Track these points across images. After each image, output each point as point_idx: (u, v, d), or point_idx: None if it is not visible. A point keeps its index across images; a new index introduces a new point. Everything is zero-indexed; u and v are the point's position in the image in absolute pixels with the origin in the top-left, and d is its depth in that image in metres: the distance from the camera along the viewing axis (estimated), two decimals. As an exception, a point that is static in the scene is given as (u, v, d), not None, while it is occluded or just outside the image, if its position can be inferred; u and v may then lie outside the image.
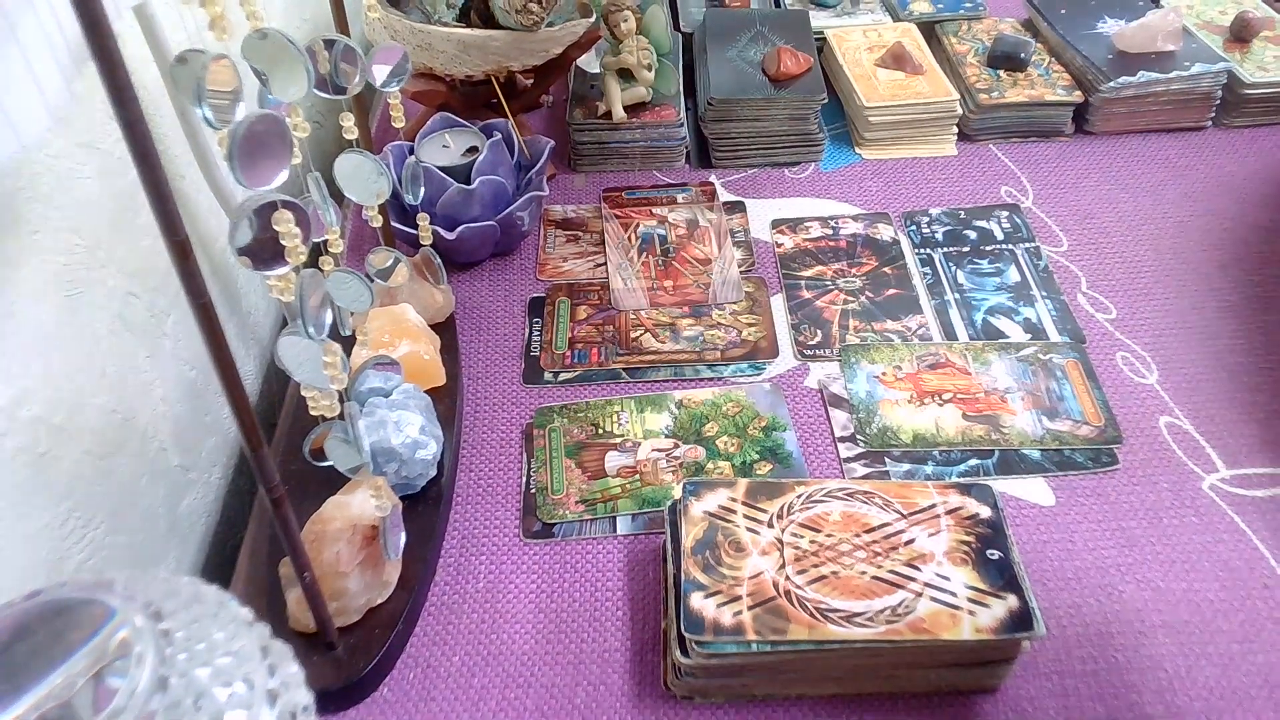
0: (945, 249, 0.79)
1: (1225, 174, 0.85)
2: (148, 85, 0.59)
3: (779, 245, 0.80)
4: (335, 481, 0.55)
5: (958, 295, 0.75)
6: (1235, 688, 0.51)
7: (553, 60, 0.82)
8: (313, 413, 0.47)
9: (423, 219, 0.68)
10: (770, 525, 0.53)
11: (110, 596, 0.32)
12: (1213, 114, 0.90)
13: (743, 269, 0.78)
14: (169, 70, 0.56)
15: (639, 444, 0.65)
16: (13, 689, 0.29)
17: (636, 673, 0.53)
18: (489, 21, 0.79)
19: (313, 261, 0.46)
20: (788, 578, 0.50)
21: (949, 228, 0.81)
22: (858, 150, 0.90)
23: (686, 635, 0.48)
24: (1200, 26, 0.95)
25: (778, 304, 0.75)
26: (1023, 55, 0.92)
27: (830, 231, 0.81)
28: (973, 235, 0.80)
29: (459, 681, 0.53)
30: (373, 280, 0.54)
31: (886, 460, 0.64)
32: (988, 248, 0.79)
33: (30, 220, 0.47)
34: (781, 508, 0.54)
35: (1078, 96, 0.89)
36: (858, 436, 0.65)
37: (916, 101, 0.87)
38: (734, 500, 0.54)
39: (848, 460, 0.64)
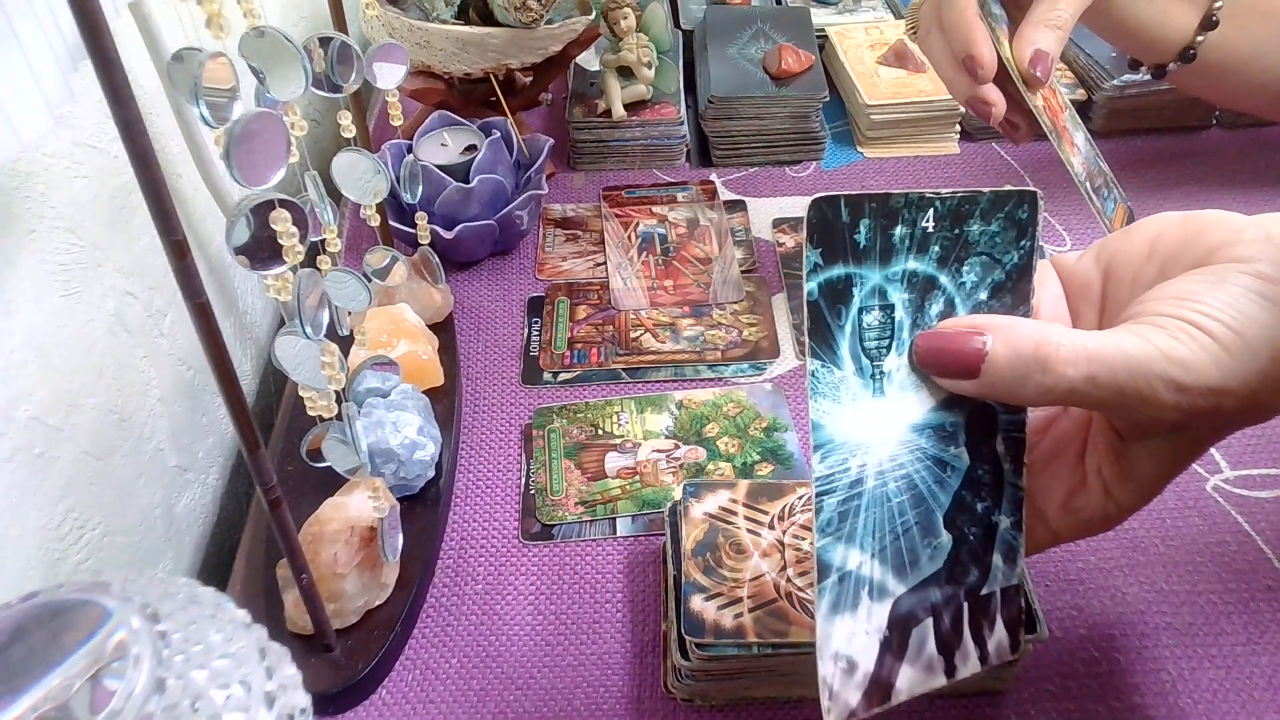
0: (946, 248, 0.79)
1: (1229, 173, 0.84)
2: (144, 84, 0.59)
3: (780, 244, 0.80)
4: (333, 482, 0.55)
5: (959, 295, 0.75)
6: (1239, 689, 0.51)
7: (552, 58, 0.81)
8: (310, 413, 0.47)
9: (421, 218, 0.67)
10: (771, 527, 0.53)
11: (107, 598, 0.32)
12: (1217, 113, 0.89)
13: (744, 268, 0.78)
14: (165, 68, 0.56)
15: (639, 445, 0.64)
16: (10, 691, 0.29)
17: (636, 675, 0.53)
18: (488, 19, 0.79)
19: (310, 261, 0.46)
20: (789, 580, 0.50)
21: (950, 227, 0.81)
22: (860, 149, 0.90)
23: (687, 637, 0.48)
24: (1202, 25, 0.95)
25: (779, 304, 0.75)
26: (1024, 54, 0.91)
27: (831, 231, 0.81)
28: (974, 234, 0.80)
29: (458, 684, 0.53)
30: (370, 280, 0.54)
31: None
32: (989, 247, 0.79)
33: (26, 219, 0.47)
34: (783, 509, 0.53)
35: (1081, 95, 0.88)
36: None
37: (919, 100, 0.87)
38: (735, 502, 0.54)
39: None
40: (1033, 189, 0.36)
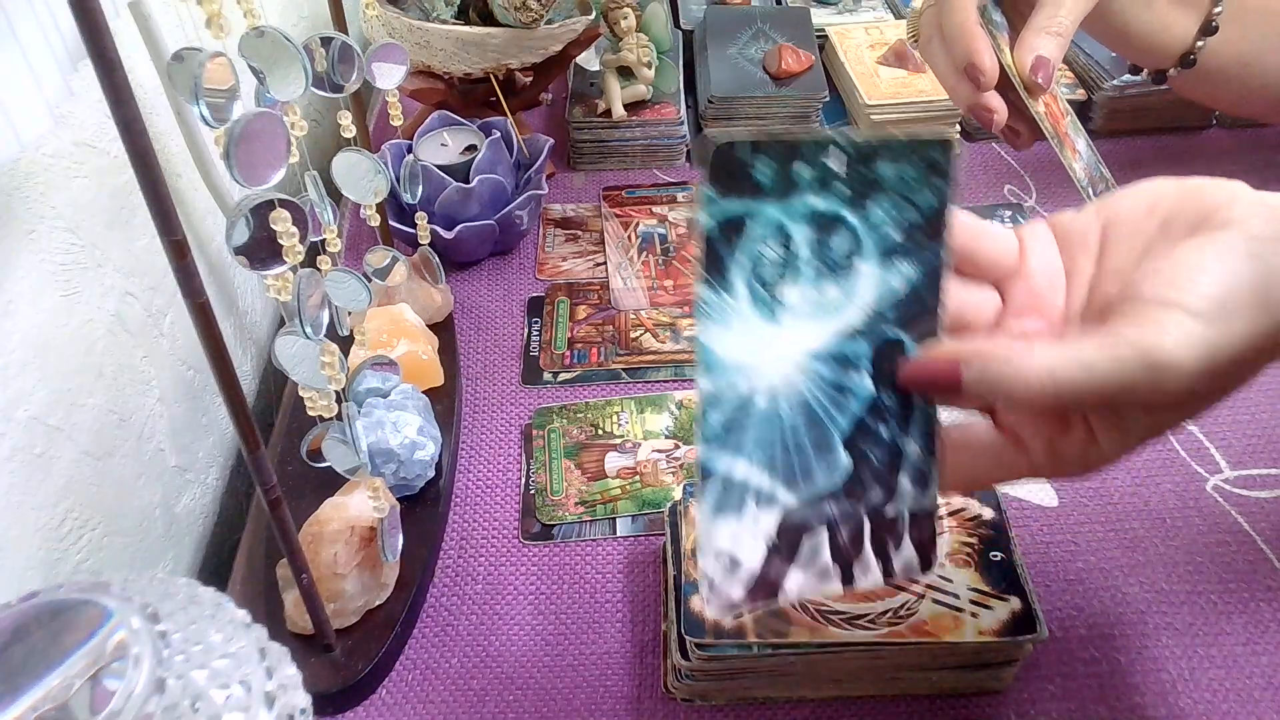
0: (946, 248, 0.79)
1: (1228, 173, 0.83)
2: (144, 84, 0.59)
3: (780, 244, 0.80)
4: (333, 482, 0.55)
5: (959, 295, 0.75)
6: (1239, 690, 0.51)
7: (552, 58, 0.81)
8: (310, 413, 0.47)
9: (421, 218, 0.67)
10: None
11: (107, 598, 0.32)
12: (1216, 113, 0.89)
13: (743, 268, 0.77)
14: (165, 68, 0.56)
15: (639, 445, 0.64)
16: (10, 690, 0.29)
17: (636, 675, 0.53)
18: (488, 19, 0.79)
19: (310, 261, 0.46)
20: (789, 579, 0.50)
21: (950, 227, 0.81)
22: (859, 149, 0.90)
23: (687, 638, 0.48)
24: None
25: (778, 303, 0.75)
26: (1024, 54, 0.91)
27: (831, 231, 0.81)
28: (974, 234, 0.80)
29: (457, 684, 0.53)
30: (370, 280, 0.54)
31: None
32: (989, 247, 0.79)
33: (26, 219, 0.47)
34: (782, 509, 0.53)
35: (1080, 95, 0.88)
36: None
37: (919, 100, 0.87)
38: (735, 501, 0.54)
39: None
40: (949, 136, 0.36)
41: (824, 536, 0.37)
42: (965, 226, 0.38)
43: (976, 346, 0.36)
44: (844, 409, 0.37)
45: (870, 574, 0.38)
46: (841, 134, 0.34)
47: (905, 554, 0.39)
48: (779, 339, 0.36)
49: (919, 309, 0.37)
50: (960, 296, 0.38)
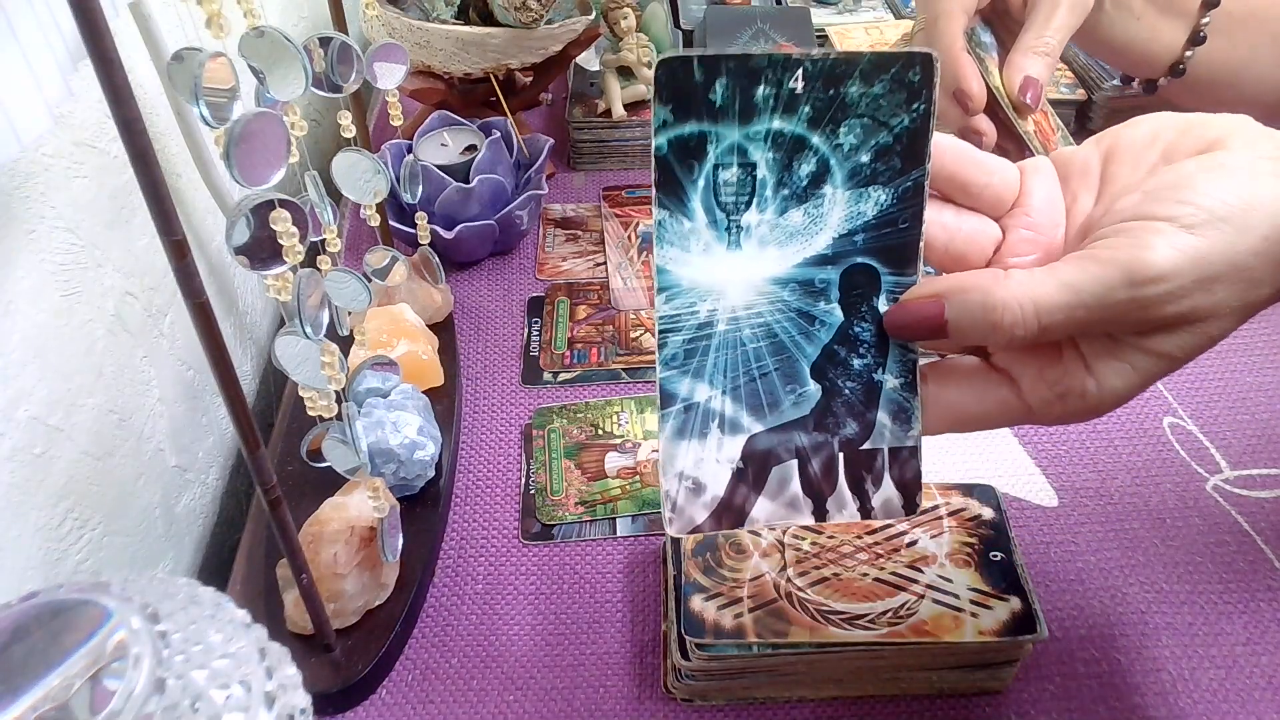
0: (946, 248, 0.79)
1: (1227, 173, 0.84)
2: (144, 84, 0.59)
3: (779, 244, 0.80)
4: (333, 482, 0.55)
5: (959, 295, 0.74)
6: (1239, 690, 0.51)
7: (552, 58, 0.81)
8: (310, 413, 0.47)
9: (421, 218, 0.67)
10: (771, 527, 0.53)
11: (107, 598, 0.32)
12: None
13: (743, 268, 0.78)
14: (165, 68, 0.56)
15: (639, 445, 0.64)
16: (10, 691, 0.29)
17: (636, 675, 0.53)
18: (488, 19, 0.79)
19: (310, 261, 0.46)
20: (789, 580, 0.50)
21: (950, 227, 0.80)
22: (858, 149, 0.90)
23: (687, 637, 0.48)
24: (1202, 25, 0.95)
25: (778, 303, 0.75)
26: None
27: (831, 231, 0.81)
28: (974, 234, 0.80)
29: (457, 684, 0.53)
30: (370, 280, 0.54)
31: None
32: (989, 247, 0.79)
33: (26, 219, 0.47)
34: (782, 509, 0.53)
35: (1080, 95, 0.88)
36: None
37: (917, 100, 0.87)
38: (735, 501, 0.54)
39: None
40: (927, 50, 0.34)
41: (793, 467, 0.37)
42: (958, 152, 0.37)
43: (957, 280, 0.35)
44: (812, 337, 0.36)
45: (846, 510, 0.38)
46: (804, 52, 0.34)
47: (886, 493, 0.38)
48: (740, 263, 0.35)
49: (894, 237, 0.36)
50: (956, 225, 0.37)
